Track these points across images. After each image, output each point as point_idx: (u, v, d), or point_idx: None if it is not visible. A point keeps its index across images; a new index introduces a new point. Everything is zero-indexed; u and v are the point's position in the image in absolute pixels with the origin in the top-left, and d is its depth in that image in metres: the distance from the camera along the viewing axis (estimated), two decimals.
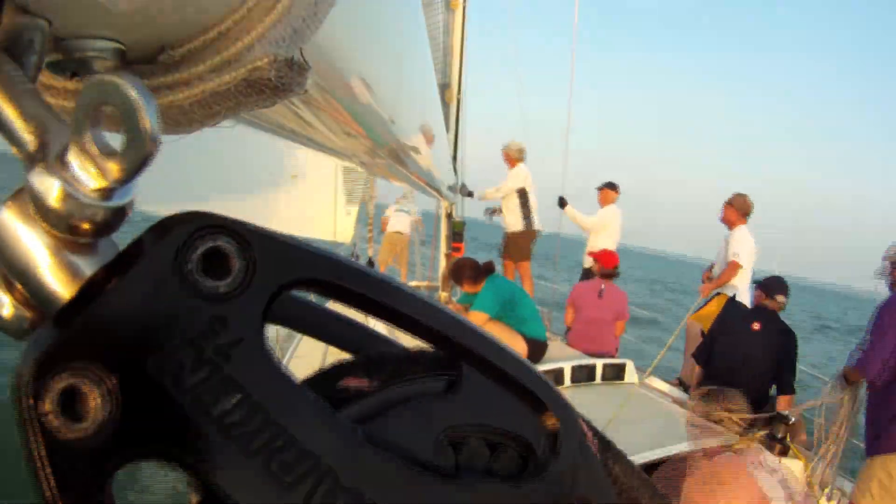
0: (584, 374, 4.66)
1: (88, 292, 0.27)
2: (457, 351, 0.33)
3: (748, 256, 6.05)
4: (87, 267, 0.28)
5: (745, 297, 6.06)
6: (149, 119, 0.27)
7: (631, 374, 4.89)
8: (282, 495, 0.28)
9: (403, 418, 0.32)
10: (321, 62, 0.71)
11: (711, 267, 6.58)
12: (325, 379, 0.36)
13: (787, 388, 5.04)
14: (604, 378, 4.75)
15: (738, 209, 6.11)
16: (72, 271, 0.28)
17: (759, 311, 5.22)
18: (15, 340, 0.31)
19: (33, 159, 0.28)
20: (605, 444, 0.38)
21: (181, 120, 0.40)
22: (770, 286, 5.19)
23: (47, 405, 0.25)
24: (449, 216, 7.56)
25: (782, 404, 4.89)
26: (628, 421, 3.84)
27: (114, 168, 0.27)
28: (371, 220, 8.17)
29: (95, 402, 0.26)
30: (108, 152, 0.27)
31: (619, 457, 0.38)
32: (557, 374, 4.52)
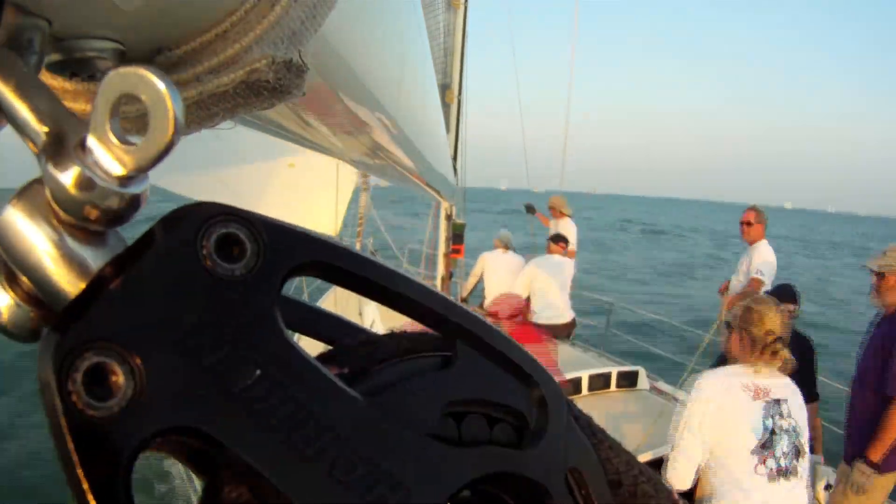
0: (600, 383, 4.91)
1: (108, 275, 0.28)
2: (452, 329, 0.35)
3: (770, 272, 6.00)
4: (98, 258, 0.29)
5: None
6: (175, 109, 0.28)
7: (643, 381, 5.12)
8: (304, 467, 0.29)
9: (408, 393, 0.33)
10: (321, 63, 0.71)
11: (728, 282, 6.59)
12: (325, 361, 0.37)
13: (809, 395, 4.98)
14: (618, 385, 4.99)
15: (760, 224, 6.05)
16: (83, 262, 0.29)
17: None
18: (16, 343, 0.31)
19: (48, 151, 0.28)
20: (587, 422, 0.40)
21: None
22: (777, 295, 5.10)
23: (73, 383, 0.26)
24: (449, 217, 7.53)
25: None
26: (640, 423, 4.18)
27: (134, 156, 0.28)
28: (362, 216, 8.13)
29: (120, 380, 0.26)
30: (128, 141, 0.28)
31: (602, 432, 0.40)
32: (576, 384, 4.71)
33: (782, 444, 2.57)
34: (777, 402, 2.62)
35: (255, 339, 0.29)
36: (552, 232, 7.25)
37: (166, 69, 0.39)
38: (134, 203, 0.29)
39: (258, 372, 0.28)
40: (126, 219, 0.29)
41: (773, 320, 2.68)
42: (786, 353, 2.67)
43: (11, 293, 0.30)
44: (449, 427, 0.34)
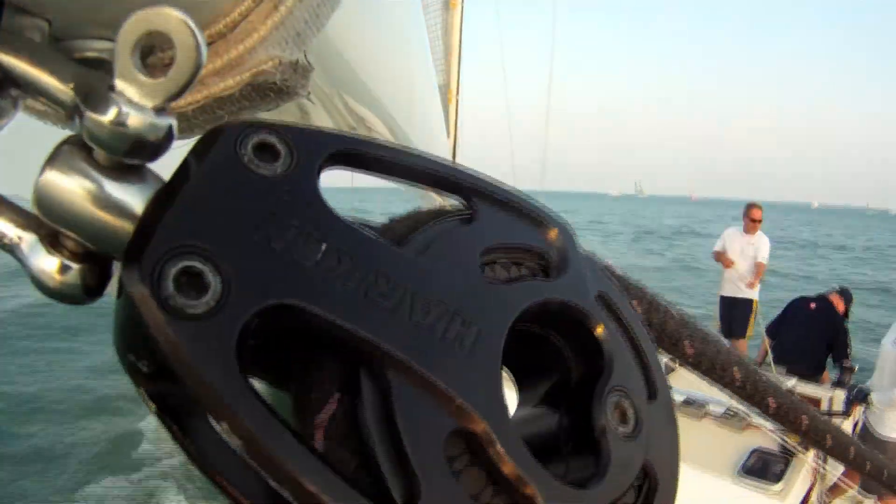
0: None
1: (165, 196, 0.30)
2: (467, 188, 0.39)
3: (767, 256, 7.83)
4: (144, 192, 0.31)
5: (757, 288, 7.72)
6: (197, 35, 0.29)
7: None
8: (389, 318, 0.31)
9: (448, 246, 0.37)
10: (323, 62, 0.70)
11: (721, 253, 7.78)
12: None
13: (842, 350, 6.88)
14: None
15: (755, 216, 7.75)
16: (130, 200, 0.30)
17: (819, 297, 7.29)
18: (70, 305, 0.31)
19: (79, 102, 0.30)
20: (592, 255, 0.44)
21: (182, 126, 0.40)
22: (839, 290, 7.36)
23: (167, 289, 0.27)
24: None
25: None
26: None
27: (163, 86, 0.29)
28: None
29: (209, 277, 0.28)
30: (154, 74, 0.29)
31: (609, 266, 0.45)
32: None
33: None
34: None
35: (313, 220, 0.32)
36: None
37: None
38: (170, 133, 0.31)
39: (324, 246, 0.31)
40: (163, 150, 0.31)
41: None
42: None
43: (58, 255, 0.31)
44: (489, 271, 0.38)
